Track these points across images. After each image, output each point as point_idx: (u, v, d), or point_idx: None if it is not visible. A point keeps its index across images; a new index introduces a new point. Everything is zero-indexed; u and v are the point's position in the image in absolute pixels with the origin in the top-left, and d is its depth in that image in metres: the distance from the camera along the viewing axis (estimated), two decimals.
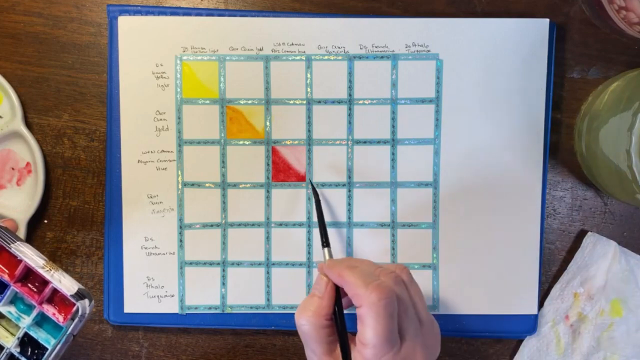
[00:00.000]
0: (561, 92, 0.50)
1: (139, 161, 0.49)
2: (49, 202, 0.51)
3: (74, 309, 0.38)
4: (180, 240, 0.50)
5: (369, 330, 0.36)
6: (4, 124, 0.50)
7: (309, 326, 0.39)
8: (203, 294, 0.50)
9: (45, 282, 0.39)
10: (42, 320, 0.40)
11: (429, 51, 0.49)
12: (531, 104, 0.49)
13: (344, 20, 0.49)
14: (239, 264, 0.50)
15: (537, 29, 0.49)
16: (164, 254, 0.50)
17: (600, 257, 0.50)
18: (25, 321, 0.39)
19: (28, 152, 0.50)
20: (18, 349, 0.39)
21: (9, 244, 0.38)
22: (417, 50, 0.49)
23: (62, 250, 0.51)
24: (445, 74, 0.49)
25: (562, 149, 0.51)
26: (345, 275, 0.39)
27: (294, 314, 0.50)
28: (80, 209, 0.51)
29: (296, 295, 0.50)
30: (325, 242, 0.44)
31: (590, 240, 0.50)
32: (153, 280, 0.50)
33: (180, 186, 0.50)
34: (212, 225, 0.50)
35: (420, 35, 0.49)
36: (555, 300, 0.50)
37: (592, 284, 0.50)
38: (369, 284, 0.37)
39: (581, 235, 0.51)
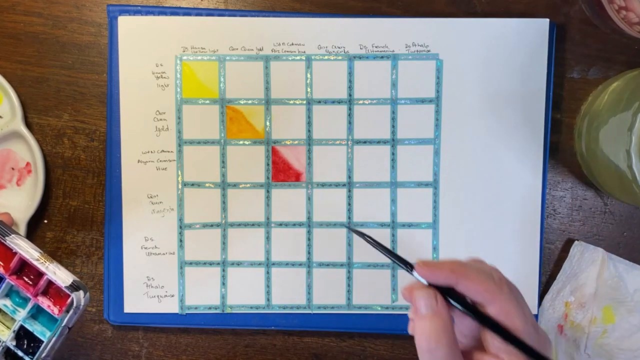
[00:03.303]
0: (561, 92, 0.50)
1: (139, 161, 0.49)
2: (49, 202, 0.51)
3: (69, 300, 0.38)
4: (180, 240, 0.50)
5: (517, 319, 0.33)
6: (4, 124, 0.50)
7: (448, 349, 0.33)
8: (203, 294, 0.50)
9: (40, 275, 0.39)
10: (37, 313, 0.40)
11: (429, 51, 0.49)
12: (531, 104, 0.49)
13: (344, 20, 0.49)
14: (239, 264, 0.50)
15: (537, 29, 0.49)
16: (164, 254, 0.50)
17: (589, 265, 0.50)
18: (21, 314, 0.39)
19: (28, 152, 0.50)
20: (14, 342, 0.40)
21: (4, 237, 0.38)
22: (417, 50, 0.49)
23: (62, 250, 0.51)
24: (445, 74, 0.49)
25: (562, 149, 0.51)
26: (464, 273, 0.34)
27: (293, 314, 0.50)
28: (80, 209, 0.51)
29: (296, 295, 0.50)
30: (409, 265, 0.37)
31: (578, 249, 0.50)
32: (153, 280, 0.50)
33: (180, 186, 0.50)
34: (212, 225, 0.50)
35: (420, 35, 0.49)
36: (546, 310, 0.50)
37: (583, 292, 0.50)
38: (490, 277, 0.34)
39: (581, 235, 0.51)
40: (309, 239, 0.50)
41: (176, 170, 0.50)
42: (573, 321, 0.50)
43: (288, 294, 0.50)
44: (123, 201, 0.49)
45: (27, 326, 0.39)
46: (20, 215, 0.49)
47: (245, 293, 0.50)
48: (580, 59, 0.50)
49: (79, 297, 0.38)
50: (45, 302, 0.39)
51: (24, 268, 0.40)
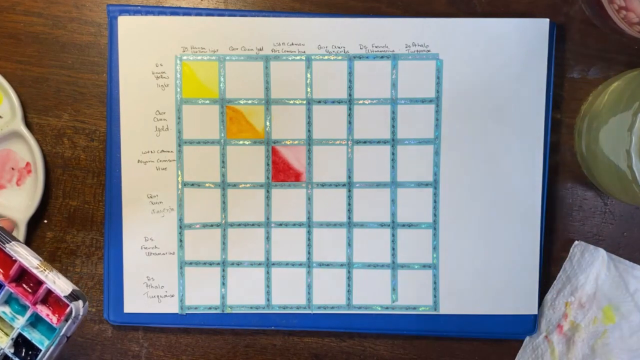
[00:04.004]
0: (561, 92, 0.50)
1: (139, 161, 0.49)
2: (49, 202, 0.51)
3: (68, 310, 0.38)
4: (180, 240, 0.50)
5: None
6: (4, 124, 0.50)
7: None
8: (203, 294, 0.50)
9: (40, 283, 0.38)
10: (36, 321, 0.40)
11: (429, 51, 0.49)
12: (531, 104, 0.49)
13: (344, 20, 0.49)
14: (239, 264, 0.50)
15: (537, 29, 0.49)
16: (164, 254, 0.50)
17: (589, 265, 0.50)
18: (20, 322, 0.39)
19: (28, 152, 0.50)
20: (12, 350, 0.39)
21: (4, 244, 0.38)
22: (417, 50, 0.49)
23: (62, 250, 0.51)
24: (445, 74, 0.49)
25: (562, 149, 0.51)
26: None
27: (293, 314, 0.50)
28: (80, 209, 0.51)
29: (296, 295, 0.50)
30: None
31: (578, 249, 0.50)
32: (153, 280, 0.50)
33: (180, 186, 0.50)
34: (212, 225, 0.50)
35: (420, 35, 0.49)
36: (547, 310, 0.50)
37: (583, 292, 0.50)
38: None
39: (581, 235, 0.51)
40: (309, 239, 0.50)
41: (176, 170, 0.50)
42: (573, 321, 0.50)
43: (288, 294, 0.50)
44: (123, 201, 0.49)
45: (25, 334, 0.39)
46: (20, 215, 0.49)
47: (245, 293, 0.50)
48: (580, 59, 0.50)
49: (78, 307, 0.38)
50: (44, 311, 0.39)
51: (23, 275, 0.39)
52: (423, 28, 0.49)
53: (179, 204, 0.50)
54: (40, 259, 0.38)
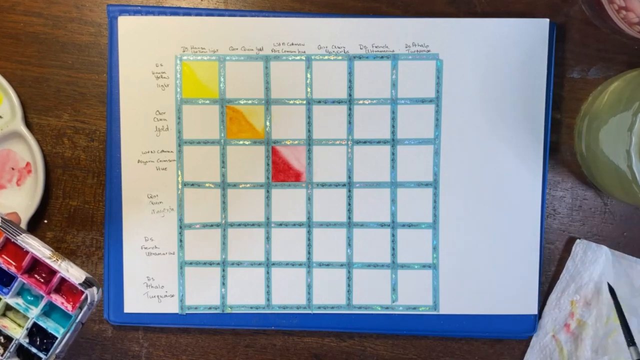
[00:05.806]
0: (561, 92, 0.50)
1: (139, 161, 0.49)
2: (49, 202, 0.51)
3: (83, 297, 0.39)
4: (180, 240, 0.50)
5: None
6: (4, 124, 0.50)
7: None
8: (203, 294, 0.50)
9: (52, 272, 0.39)
10: (50, 310, 0.41)
11: (429, 51, 0.49)
12: (531, 104, 0.49)
13: (344, 20, 0.49)
14: (239, 264, 0.50)
15: (537, 29, 0.49)
16: (164, 254, 0.50)
17: (592, 263, 0.50)
18: (34, 312, 0.40)
19: (28, 152, 0.50)
20: (27, 340, 0.40)
21: (15, 236, 0.38)
22: (417, 50, 0.49)
23: (62, 250, 0.51)
24: (445, 74, 0.49)
25: (562, 149, 0.51)
26: None
27: (293, 314, 0.50)
28: (80, 209, 0.51)
29: (296, 295, 0.50)
30: (630, 341, 0.46)
31: (580, 247, 0.50)
32: (153, 280, 0.50)
33: (180, 186, 0.50)
34: (212, 225, 0.50)
35: (420, 35, 0.49)
36: (552, 309, 0.50)
37: (587, 290, 0.50)
38: None
39: (581, 235, 0.51)
40: (309, 239, 0.50)
41: (176, 170, 0.50)
42: (580, 319, 0.50)
43: (288, 294, 0.50)
44: (123, 201, 0.49)
45: (40, 323, 0.40)
46: (20, 216, 0.49)
47: (245, 293, 0.50)
48: (580, 59, 0.50)
49: (93, 293, 0.39)
50: (58, 300, 0.40)
51: (35, 266, 0.40)
52: (423, 28, 0.49)
53: (179, 204, 0.50)
54: (52, 249, 0.39)
